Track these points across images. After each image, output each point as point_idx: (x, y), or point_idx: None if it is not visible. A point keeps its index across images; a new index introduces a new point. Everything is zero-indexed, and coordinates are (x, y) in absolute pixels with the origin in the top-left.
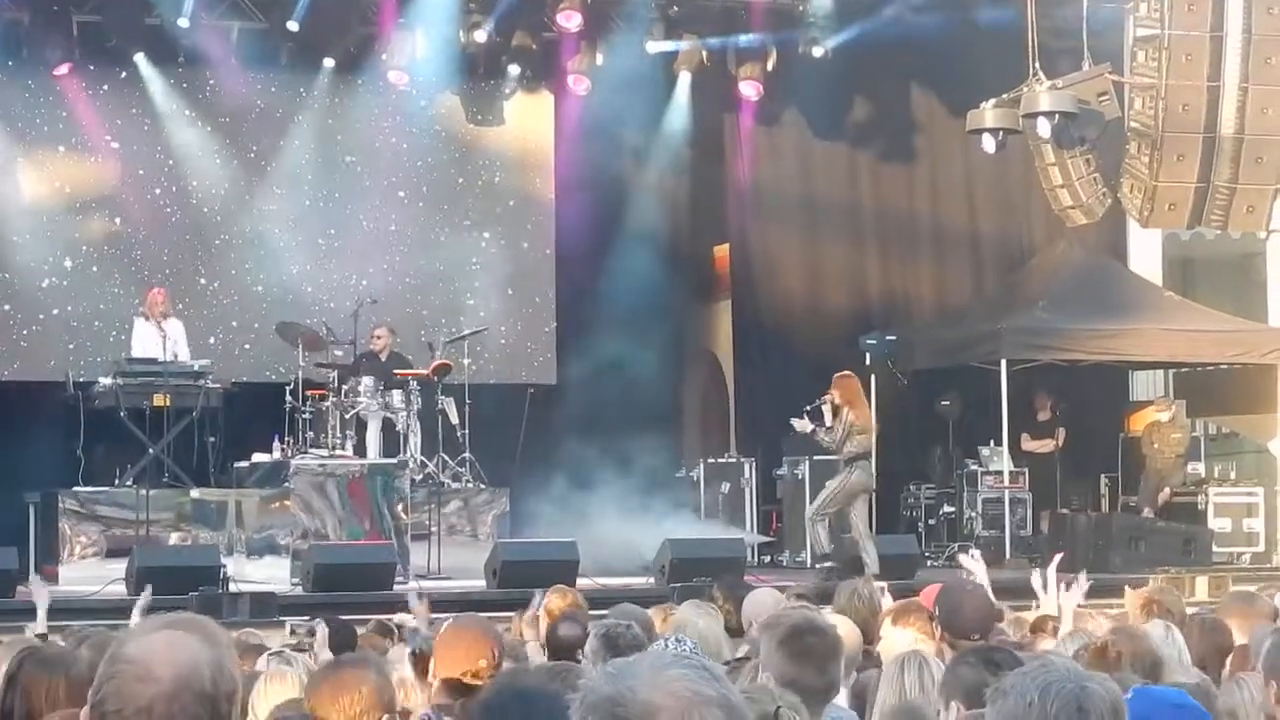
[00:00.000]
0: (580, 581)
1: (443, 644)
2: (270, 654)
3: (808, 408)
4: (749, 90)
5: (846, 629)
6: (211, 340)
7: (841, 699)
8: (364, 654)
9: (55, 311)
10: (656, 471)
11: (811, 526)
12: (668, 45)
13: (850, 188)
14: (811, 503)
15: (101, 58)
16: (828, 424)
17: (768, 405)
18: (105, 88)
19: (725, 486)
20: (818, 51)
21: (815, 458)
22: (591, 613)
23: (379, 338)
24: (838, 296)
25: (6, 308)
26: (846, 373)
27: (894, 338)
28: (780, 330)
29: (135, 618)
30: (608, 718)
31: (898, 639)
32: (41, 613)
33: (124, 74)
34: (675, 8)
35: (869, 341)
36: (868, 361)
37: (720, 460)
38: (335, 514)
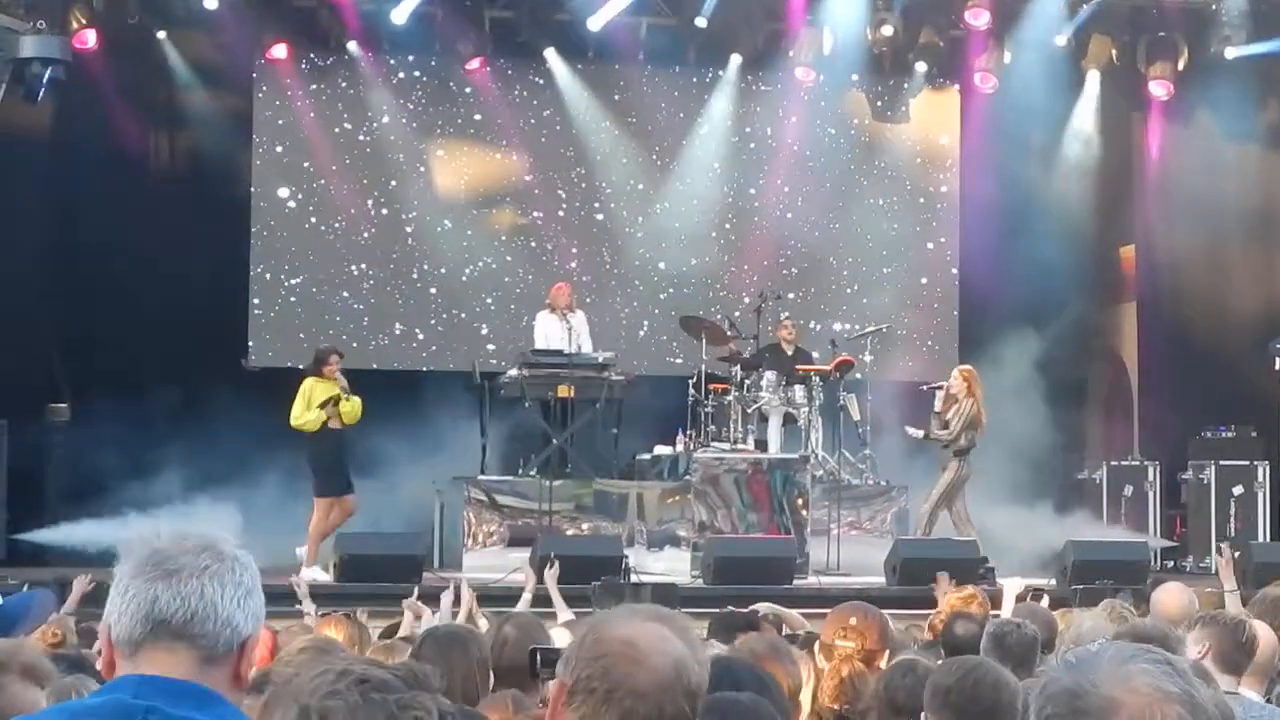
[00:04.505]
0: None
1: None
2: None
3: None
4: (1158, 90)
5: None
6: (615, 332)
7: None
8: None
9: (470, 303)
10: (1058, 472)
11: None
12: (1075, 27)
13: (1262, 190)
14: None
15: (512, 52)
16: (936, 409)
17: (1173, 409)
18: (516, 83)
19: (1128, 489)
20: (1230, 52)
21: (1222, 463)
22: (994, 612)
23: (788, 338)
24: (1247, 300)
25: (432, 292)
26: (968, 366)
27: None
28: (1187, 333)
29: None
30: (1067, 709)
31: None
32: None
33: (534, 68)
34: (1083, 6)
35: (1279, 346)
36: (1277, 366)
37: (1124, 463)
38: (734, 507)
